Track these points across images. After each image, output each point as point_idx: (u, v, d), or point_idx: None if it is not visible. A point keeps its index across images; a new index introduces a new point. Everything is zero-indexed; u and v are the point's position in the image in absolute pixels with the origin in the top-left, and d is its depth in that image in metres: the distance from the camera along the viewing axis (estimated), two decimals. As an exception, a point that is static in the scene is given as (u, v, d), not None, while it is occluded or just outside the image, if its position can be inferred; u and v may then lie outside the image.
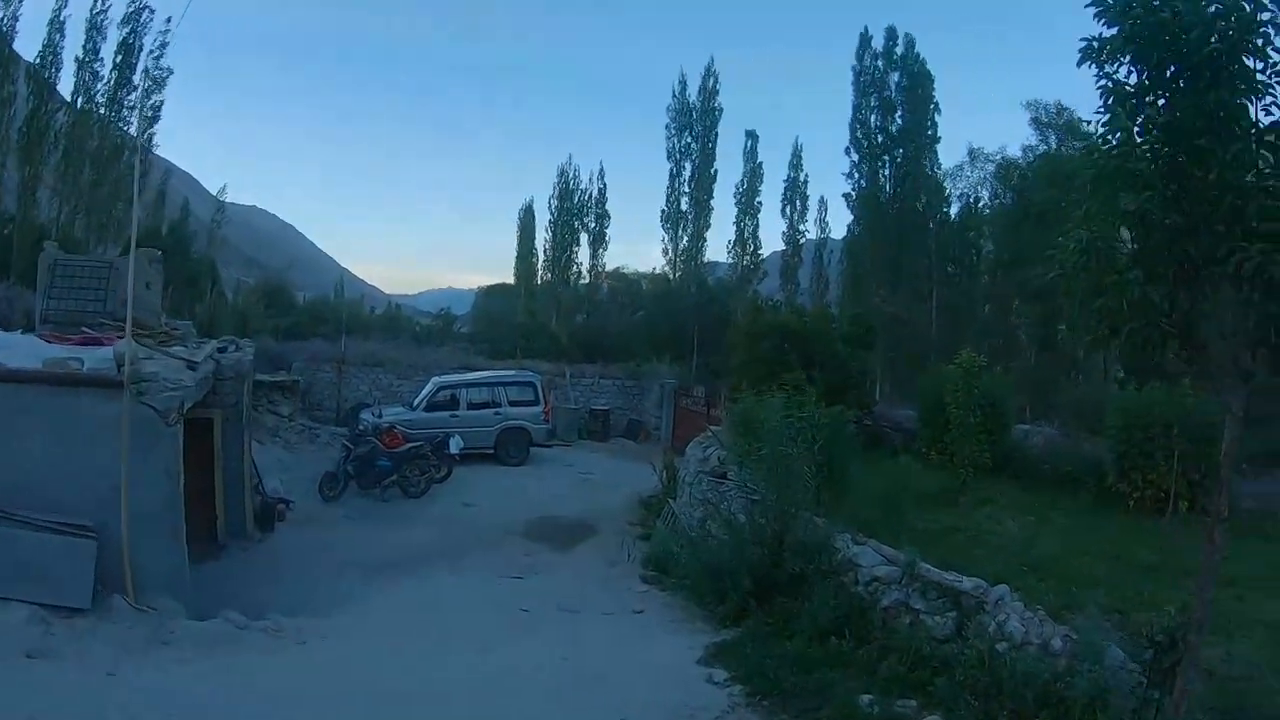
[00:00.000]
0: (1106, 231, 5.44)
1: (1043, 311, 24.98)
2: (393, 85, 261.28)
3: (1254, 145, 4.86)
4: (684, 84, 36.48)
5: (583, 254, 40.98)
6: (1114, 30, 5.20)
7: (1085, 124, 5.57)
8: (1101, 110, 5.40)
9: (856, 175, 31.36)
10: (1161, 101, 5.12)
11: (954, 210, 30.14)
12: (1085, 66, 5.42)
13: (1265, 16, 4.64)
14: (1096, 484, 15.86)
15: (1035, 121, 28.24)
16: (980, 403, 15.75)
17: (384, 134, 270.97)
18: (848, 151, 31.37)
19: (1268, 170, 4.84)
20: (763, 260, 37.45)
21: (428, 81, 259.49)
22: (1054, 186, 24.48)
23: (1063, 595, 10.00)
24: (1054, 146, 27.23)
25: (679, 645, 10.02)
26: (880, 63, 31.28)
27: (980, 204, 29.60)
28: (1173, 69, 4.93)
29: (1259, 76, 4.78)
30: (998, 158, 28.24)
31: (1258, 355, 5.32)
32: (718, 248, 38.40)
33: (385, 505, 17.89)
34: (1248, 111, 4.84)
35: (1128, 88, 5.26)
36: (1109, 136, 5.36)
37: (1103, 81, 5.36)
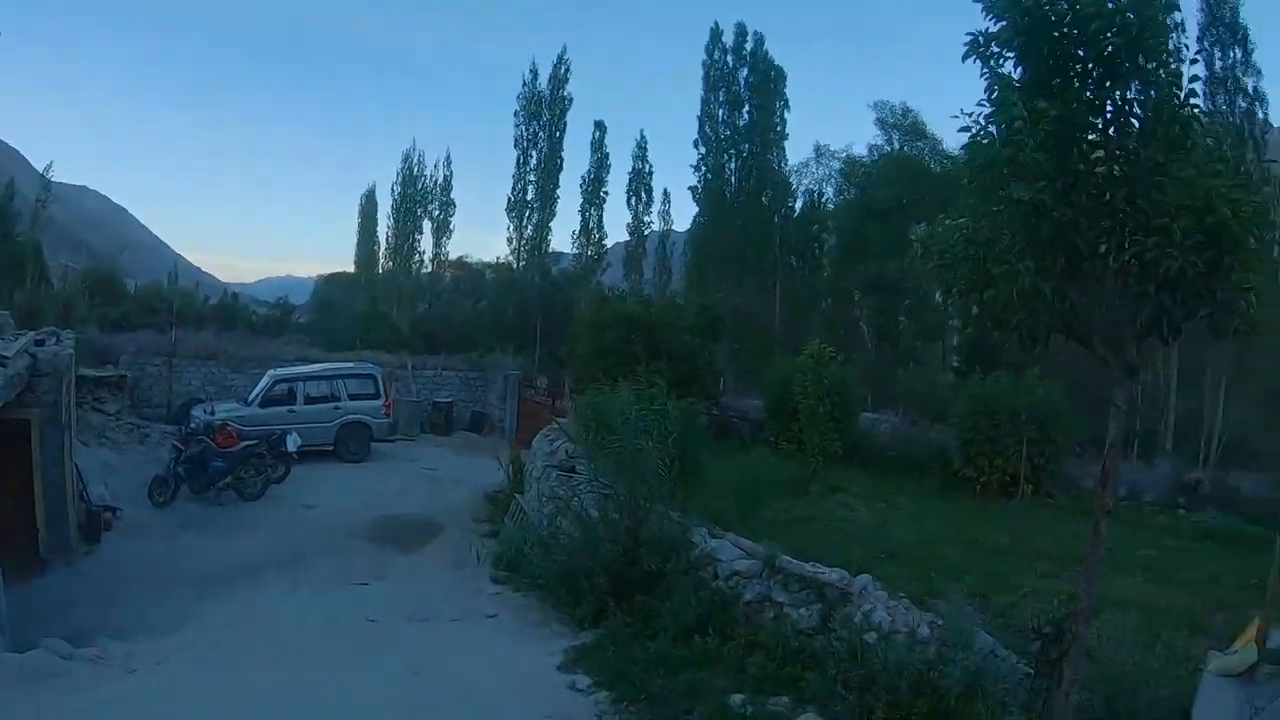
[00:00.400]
0: (992, 222, 5.36)
1: (882, 303, 25.94)
2: (233, 66, 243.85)
3: (1146, 140, 4.87)
4: (535, 72, 35.89)
5: (426, 242, 39.84)
6: (1000, 24, 5.12)
7: (963, 116, 5.38)
8: (985, 103, 5.30)
9: (703, 168, 31.52)
10: (1046, 98, 5.06)
11: (799, 205, 30.83)
12: (970, 62, 5.32)
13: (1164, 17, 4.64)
14: (942, 470, 16.52)
15: (881, 122, 29.33)
16: (828, 392, 16.04)
17: (224, 115, 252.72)
18: (696, 145, 31.64)
19: (1157, 165, 4.85)
20: (606, 251, 37.41)
21: (269, 63, 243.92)
22: (896, 184, 25.41)
23: (923, 581, 10.18)
24: (898, 147, 28.20)
25: (538, 652, 9.57)
26: (730, 58, 31.50)
27: (824, 200, 30.52)
28: (1068, 63, 4.87)
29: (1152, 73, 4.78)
30: (843, 155, 29.20)
31: (1142, 348, 5.39)
32: (562, 238, 38.10)
33: (220, 509, 16.58)
34: (1143, 107, 4.85)
35: (1014, 82, 5.17)
36: (990, 129, 5.26)
37: (985, 74, 5.27)
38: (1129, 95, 4.87)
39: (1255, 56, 21.48)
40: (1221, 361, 19.91)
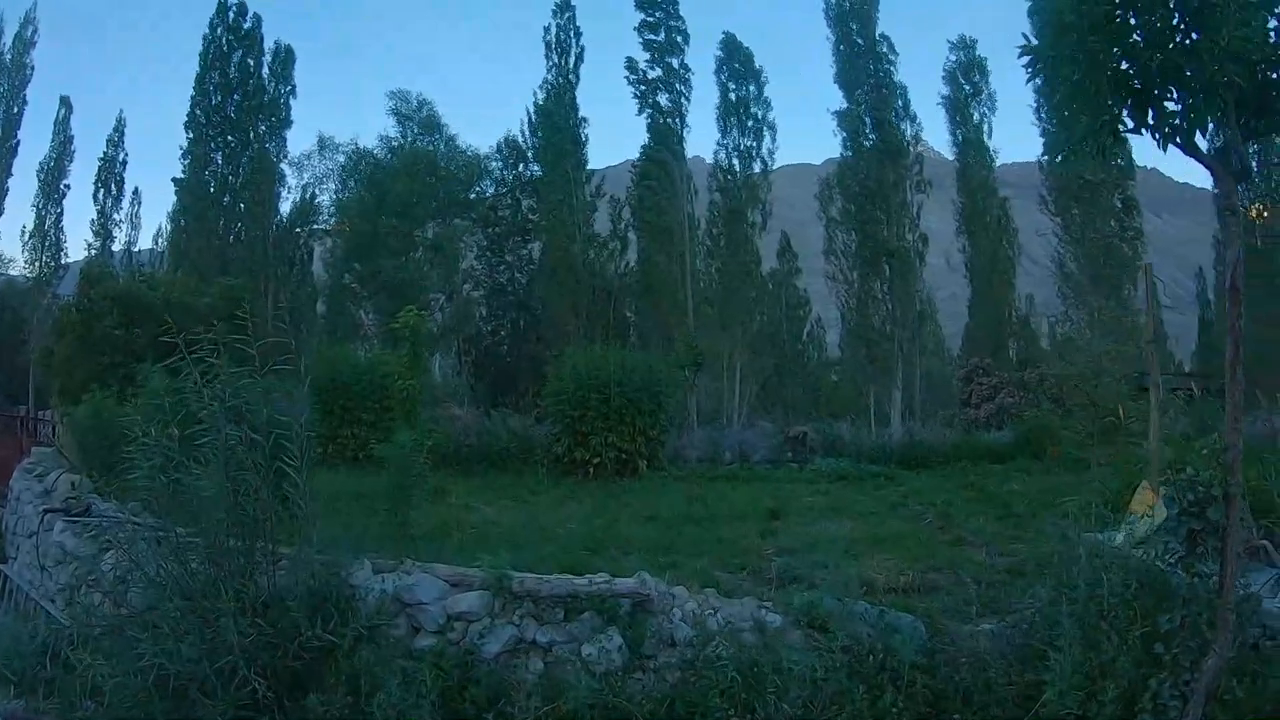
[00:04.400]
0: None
1: (392, 304, 22.11)
2: None
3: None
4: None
5: None
6: None
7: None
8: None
9: (191, 157, 23.97)
10: None
11: (297, 200, 25.27)
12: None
13: None
14: (545, 456, 13.44)
15: (396, 113, 25.46)
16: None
17: None
18: (186, 128, 23.98)
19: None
20: (67, 259, 27.31)
21: None
22: (413, 179, 22.29)
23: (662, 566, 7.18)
24: (413, 140, 24.79)
25: None
26: (230, 37, 24.38)
27: (315, 198, 25.40)
28: None
29: None
30: (349, 147, 24.68)
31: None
32: (11, 238, 27.14)
33: None
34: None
35: None
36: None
37: None
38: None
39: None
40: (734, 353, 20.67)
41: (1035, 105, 23.21)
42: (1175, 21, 3.92)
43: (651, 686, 5.45)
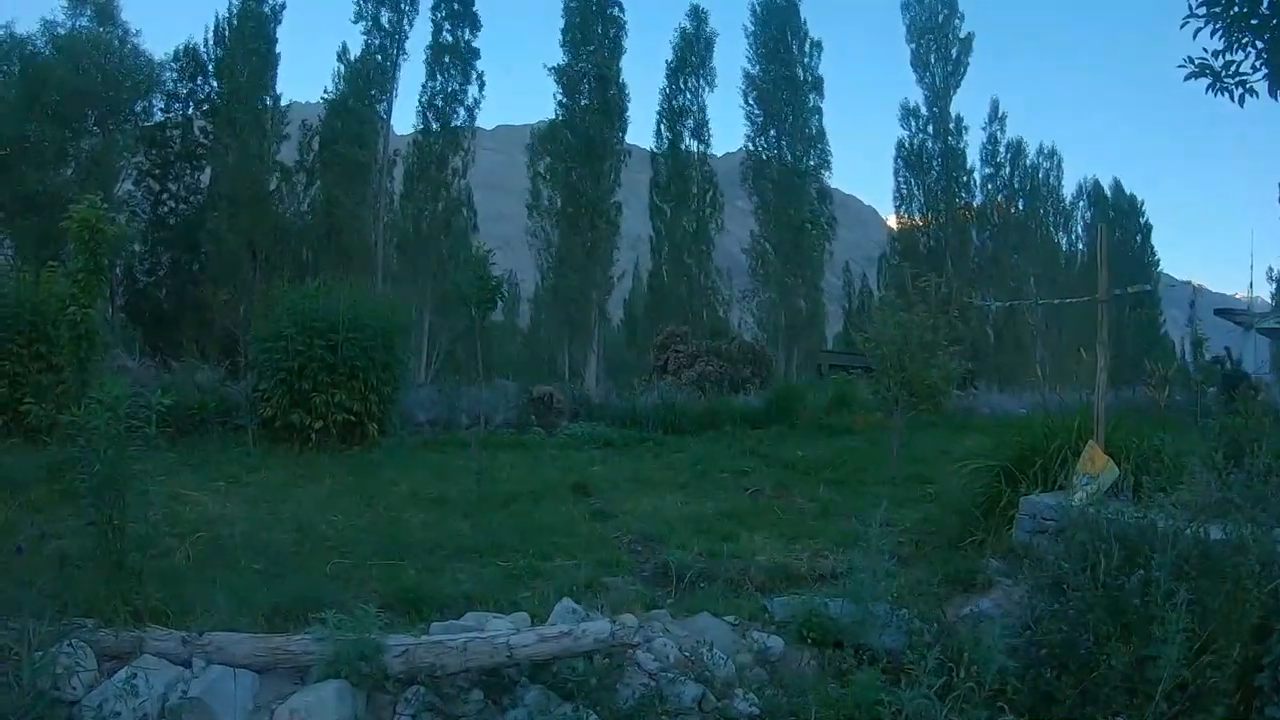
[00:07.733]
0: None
1: (42, 226, 15.53)
2: None
3: None
4: None
5: None
6: None
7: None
8: None
9: None
10: None
11: None
12: None
13: None
14: (253, 420, 9.72)
15: None
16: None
17: None
18: None
19: None
20: None
21: None
22: (78, 72, 16.80)
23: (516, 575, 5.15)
24: (90, 28, 18.10)
25: None
26: None
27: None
28: None
29: None
30: (3, 29, 16.85)
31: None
32: None
33: None
34: None
35: None
36: None
37: None
38: None
39: None
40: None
41: (743, 89, 23.38)
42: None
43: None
